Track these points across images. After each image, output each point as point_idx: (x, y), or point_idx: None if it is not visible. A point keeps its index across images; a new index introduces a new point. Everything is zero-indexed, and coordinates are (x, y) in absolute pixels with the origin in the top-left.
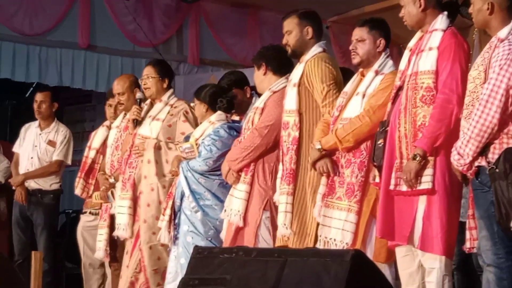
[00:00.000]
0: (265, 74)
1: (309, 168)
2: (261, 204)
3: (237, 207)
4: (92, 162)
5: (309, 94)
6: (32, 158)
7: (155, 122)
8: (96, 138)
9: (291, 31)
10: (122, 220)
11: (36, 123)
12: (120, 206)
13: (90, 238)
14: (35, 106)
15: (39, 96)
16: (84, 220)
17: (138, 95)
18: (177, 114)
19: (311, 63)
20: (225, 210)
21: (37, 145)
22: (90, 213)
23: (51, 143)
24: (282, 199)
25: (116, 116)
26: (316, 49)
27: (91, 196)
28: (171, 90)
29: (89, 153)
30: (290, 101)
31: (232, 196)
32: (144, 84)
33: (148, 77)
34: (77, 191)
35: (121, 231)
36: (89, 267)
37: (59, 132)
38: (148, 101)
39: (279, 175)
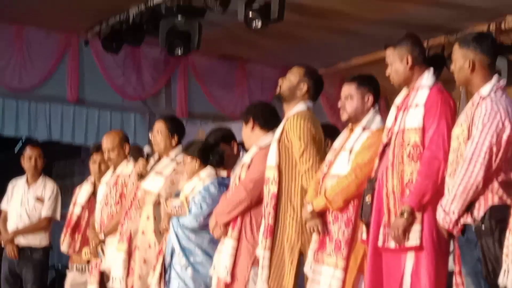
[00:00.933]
0: (252, 129)
1: (287, 224)
2: (249, 260)
3: (224, 263)
4: (78, 218)
5: (289, 151)
6: (21, 215)
7: (158, 177)
8: (81, 194)
9: (288, 78)
10: (117, 273)
11: (23, 178)
12: (116, 258)
13: None
14: (27, 161)
15: (31, 151)
16: (72, 277)
17: (146, 149)
18: (182, 172)
19: (290, 121)
20: (213, 267)
21: (25, 201)
22: (76, 269)
23: (39, 199)
24: (260, 253)
25: (100, 172)
26: (299, 107)
27: (78, 252)
28: (179, 147)
29: (74, 209)
30: (271, 157)
31: (219, 252)
32: (153, 139)
33: (158, 132)
34: (63, 247)
35: (116, 284)
36: None
37: (46, 187)
38: (155, 155)
39: (261, 229)
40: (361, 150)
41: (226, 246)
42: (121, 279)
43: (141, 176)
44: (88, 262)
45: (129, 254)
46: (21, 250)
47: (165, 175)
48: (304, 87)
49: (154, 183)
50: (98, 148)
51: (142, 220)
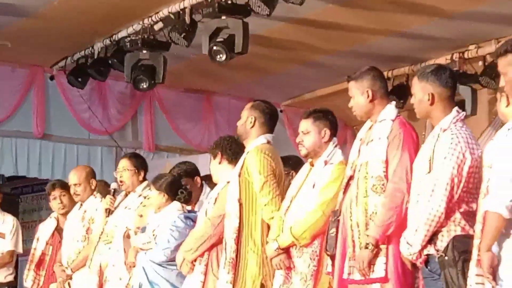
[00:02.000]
0: (220, 163)
1: (248, 258)
2: None
3: None
4: (42, 254)
5: (249, 185)
6: None
7: (127, 211)
8: (45, 229)
9: (242, 117)
10: None
11: None
12: None
13: None
14: None
15: None
16: None
17: (113, 185)
18: (150, 206)
19: (250, 154)
20: None
21: None
22: None
23: (0, 234)
24: (224, 287)
25: (63, 205)
26: (258, 141)
27: (42, 287)
28: (146, 182)
29: (37, 245)
30: (232, 191)
31: (187, 286)
32: (120, 177)
33: (125, 169)
34: (28, 283)
35: None
36: None
37: (6, 222)
38: (123, 193)
39: (221, 263)
40: (325, 186)
41: (194, 281)
42: None
43: (109, 212)
44: None
45: (100, 287)
46: None
47: (133, 209)
48: (251, 120)
49: (123, 218)
50: (54, 186)
51: (112, 253)
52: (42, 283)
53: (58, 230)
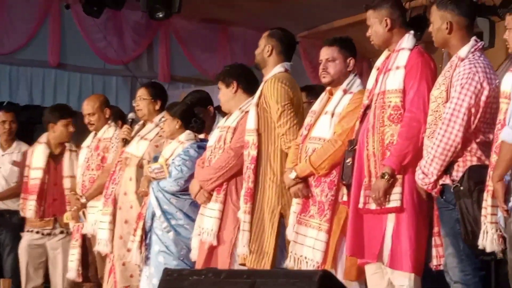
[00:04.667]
0: (235, 92)
1: (267, 187)
2: (235, 223)
3: (210, 226)
4: (42, 183)
5: (267, 115)
6: None
7: (142, 141)
8: (36, 156)
9: (259, 45)
10: (103, 235)
11: None
12: (101, 221)
13: (35, 258)
14: (2, 125)
15: (4, 116)
16: (29, 238)
17: (130, 115)
18: (162, 133)
19: (268, 84)
20: (197, 231)
21: (1, 166)
22: (36, 232)
23: (16, 163)
24: (241, 217)
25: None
26: (276, 70)
27: (42, 216)
28: (163, 112)
29: (31, 173)
30: (250, 121)
31: (203, 215)
32: (137, 106)
33: (141, 98)
34: (28, 213)
35: (102, 247)
36: None
37: (22, 152)
38: (140, 122)
39: (242, 193)
40: (345, 115)
41: (212, 210)
42: (107, 242)
43: (126, 142)
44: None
45: (114, 216)
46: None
47: (149, 140)
48: (269, 49)
49: (138, 147)
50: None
51: (125, 182)
52: (42, 213)
53: (52, 156)
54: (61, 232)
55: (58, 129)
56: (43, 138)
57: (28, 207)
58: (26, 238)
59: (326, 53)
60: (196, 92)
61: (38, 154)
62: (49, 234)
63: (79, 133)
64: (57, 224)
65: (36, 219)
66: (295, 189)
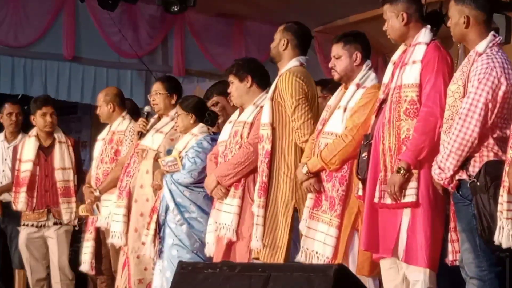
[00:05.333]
0: (250, 87)
1: (281, 182)
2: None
3: (228, 221)
4: (32, 175)
5: (281, 109)
6: (3, 171)
7: (158, 134)
8: (26, 149)
9: (275, 39)
10: (117, 228)
11: (1, 136)
12: (116, 214)
13: (36, 251)
14: (7, 117)
15: (12, 108)
16: (27, 232)
17: (146, 108)
18: (177, 128)
19: (283, 78)
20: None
21: (6, 158)
22: (32, 226)
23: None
24: (255, 211)
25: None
26: (291, 63)
27: (34, 208)
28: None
29: (21, 166)
30: (265, 115)
31: (220, 210)
32: (153, 100)
33: (157, 93)
34: (19, 206)
35: (116, 239)
36: (36, 283)
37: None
38: (155, 115)
39: (256, 187)
40: (357, 109)
41: (230, 206)
42: (121, 234)
43: (141, 135)
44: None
45: (129, 209)
46: (6, 206)
47: (164, 133)
48: (284, 42)
49: (154, 140)
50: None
51: (141, 174)
52: (35, 204)
53: (42, 149)
54: (55, 223)
55: (37, 120)
56: (33, 131)
57: (20, 200)
58: (24, 232)
59: (333, 50)
60: (219, 83)
61: (28, 147)
62: (43, 226)
63: (96, 126)
64: (51, 215)
65: (30, 211)
66: (307, 183)
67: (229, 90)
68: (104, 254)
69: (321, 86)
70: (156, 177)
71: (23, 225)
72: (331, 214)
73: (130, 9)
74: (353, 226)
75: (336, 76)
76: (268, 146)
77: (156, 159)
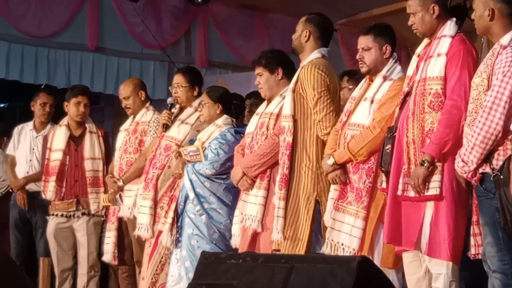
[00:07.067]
0: (281, 79)
1: (302, 174)
2: None
3: (254, 212)
4: (61, 165)
5: (303, 101)
6: (31, 160)
7: (183, 125)
8: (56, 138)
9: (297, 30)
10: (144, 220)
11: (30, 125)
12: (142, 206)
13: (63, 241)
14: (40, 107)
15: (47, 98)
16: (55, 222)
17: (169, 100)
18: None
19: (304, 70)
20: (240, 217)
21: (34, 147)
22: (61, 216)
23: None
24: (276, 203)
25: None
26: (313, 55)
27: (63, 198)
28: (202, 96)
29: (51, 155)
30: (286, 107)
31: (246, 202)
32: (175, 93)
33: (179, 85)
34: (49, 195)
35: (142, 231)
36: (61, 273)
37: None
38: (177, 106)
39: (277, 179)
40: (384, 101)
41: (256, 197)
42: (148, 226)
43: (167, 127)
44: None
45: (155, 201)
46: (32, 196)
47: (190, 124)
48: (306, 34)
49: (179, 131)
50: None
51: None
52: (64, 194)
53: (73, 138)
54: (83, 214)
55: (70, 108)
56: (64, 120)
57: (49, 189)
58: (52, 222)
59: (361, 42)
60: None
61: (58, 136)
62: (72, 216)
63: (119, 117)
64: (79, 206)
65: (58, 201)
66: (333, 175)
67: (256, 82)
68: (126, 244)
69: (347, 76)
70: (177, 166)
71: (52, 214)
72: (358, 206)
73: (154, 0)
74: (379, 218)
75: (364, 69)
76: (289, 138)
77: (179, 147)
